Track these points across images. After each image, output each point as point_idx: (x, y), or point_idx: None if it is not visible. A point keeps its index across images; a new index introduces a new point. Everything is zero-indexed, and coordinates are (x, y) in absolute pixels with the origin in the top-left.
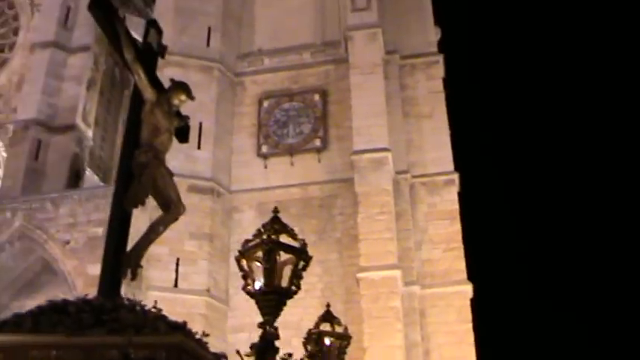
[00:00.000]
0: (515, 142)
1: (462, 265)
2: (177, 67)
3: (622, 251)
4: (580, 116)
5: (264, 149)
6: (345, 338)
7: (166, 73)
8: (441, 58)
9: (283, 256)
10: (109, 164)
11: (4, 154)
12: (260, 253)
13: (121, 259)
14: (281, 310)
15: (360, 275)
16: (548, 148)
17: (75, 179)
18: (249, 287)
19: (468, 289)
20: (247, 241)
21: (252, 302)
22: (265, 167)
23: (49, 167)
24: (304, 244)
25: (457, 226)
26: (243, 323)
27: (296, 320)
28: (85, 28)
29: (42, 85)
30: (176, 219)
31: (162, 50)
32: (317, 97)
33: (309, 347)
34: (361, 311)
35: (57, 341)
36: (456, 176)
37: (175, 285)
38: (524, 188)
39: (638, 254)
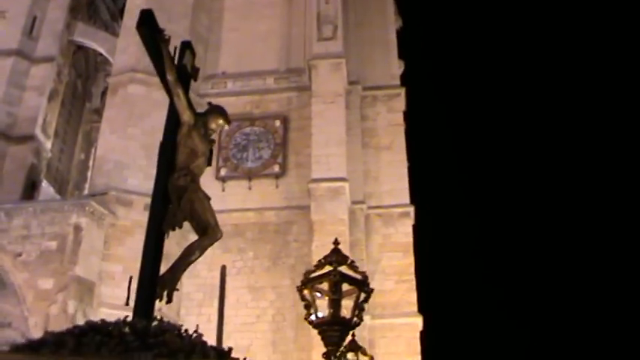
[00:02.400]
0: (470, 177)
1: (413, 297)
2: (142, 85)
3: (578, 275)
4: (532, 152)
5: (223, 172)
6: None
7: (130, 90)
8: (402, 91)
9: (345, 287)
10: (66, 176)
11: None
12: (323, 284)
13: (156, 281)
14: (344, 340)
15: None
16: (501, 187)
17: (31, 190)
18: (312, 317)
19: (418, 321)
20: (310, 272)
21: (202, 324)
22: (223, 190)
23: (5, 177)
24: (365, 277)
25: (410, 259)
26: None
27: (246, 344)
28: (50, 39)
29: (2, 94)
30: (212, 243)
31: (195, 72)
32: (278, 123)
33: None
34: (311, 338)
35: None
36: (411, 209)
37: (127, 303)
38: (477, 223)
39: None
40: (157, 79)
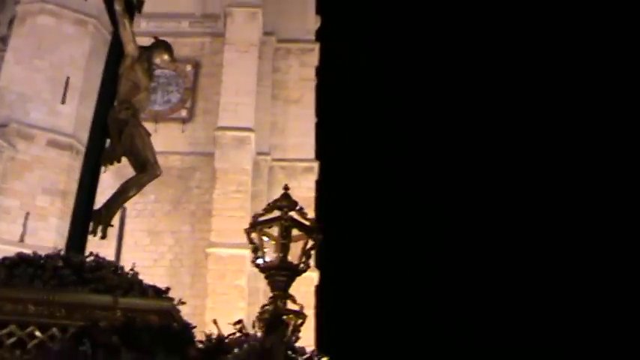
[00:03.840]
0: (378, 137)
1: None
2: (52, 17)
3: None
4: (446, 120)
5: None
6: (300, 316)
7: (40, 21)
8: (316, 46)
9: (294, 233)
10: None
11: None
12: (272, 228)
13: (90, 216)
14: (290, 286)
15: (208, 250)
16: (410, 146)
17: None
18: (258, 261)
19: (314, 275)
20: (258, 215)
21: None
22: None
23: None
24: (315, 224)
25: (311, 214)
26: None
27: None
28: None
29: None
30: (151, 180)
31: (139, 5)
32: (189, 67)
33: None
34: (206, 285)
35: (37, 297)
36: (315, 164)
37: (21, 240)
38: (381, 182)
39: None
40: (68, 12)
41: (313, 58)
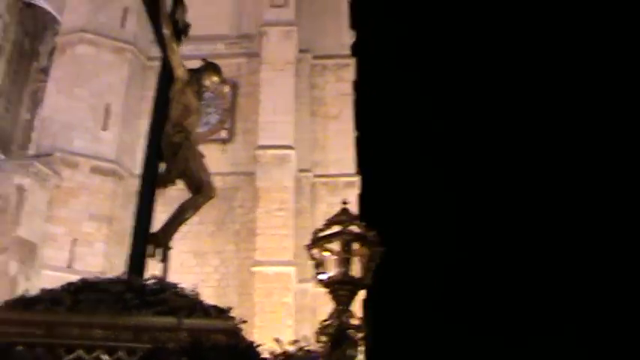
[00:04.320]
0: (419, 150)
1: None
2: (91, 46)
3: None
4: (483, 131)
5: None
6: (361, 330)
7: (79, 51)
8: (352, 61)
9: (355, 247)
10: (11, 137)
11: None
12: (333, 243)
13: (148, 239)
14: (353, 300)
15: (254, 269)
16: (450, 158)
17: None
18: (320, 276)
19: (360, 290)
20: (318, 231)
21: None
22: None
23: None
24: (375, 237)
25: None
26: None
27: None
28: None
29: None
30: (206, 202)
31: (185, 28)
32: (227, 88)
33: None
34: (253, 305)
35: (103, 321)
36: (357, 179)
37: (69, 266)
38: (423, 194)
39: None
40: (106, 40)
41: (350, 73)
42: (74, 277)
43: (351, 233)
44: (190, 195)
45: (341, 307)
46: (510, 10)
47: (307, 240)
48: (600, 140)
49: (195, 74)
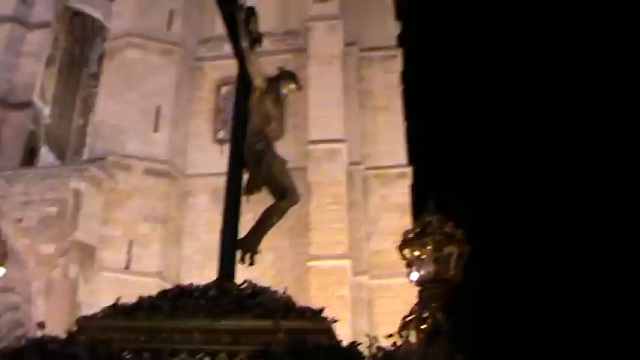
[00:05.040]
0: (469, 139)
1: None
2: (138, 49)
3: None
4: (534, 119)
5: (221, 135)
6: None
7: (127, 55)
8: (399, 52)
9: (445, 246)
10: (65, 142)
11: None
12: (424, 242)
13: (236, 245)
14: (445, 298)
15: (310, 264)
16: (501, 149)
17: (30, 157)
18: (412, 275)
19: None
20: (409, 231)
21: None
22: (221, 153)
23: (3, 144)
24: (464, 236)
25: (408, 219)
26: None
27: None
28: (45, 5)
29: None
30: (291, 206)
31: (259, 38)
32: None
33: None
34: (310, 299)
35: (203, 325)
36: (408, 170)
37: (127, 267)
38: (474, 184)
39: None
40: (153, 43)
41: (397, 64)
42: (132, 279)
43: (443, 233)
44: (274, 200)
45: (434, 305)
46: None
47: (361, 233)
48: None
49: (273, 82)
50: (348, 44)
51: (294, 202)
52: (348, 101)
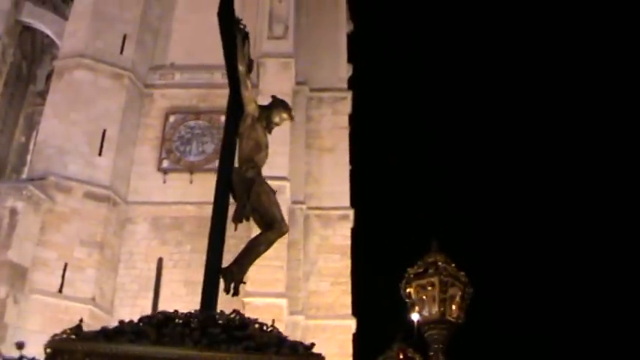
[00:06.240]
0: (412, 183)
1: (347, 300)
2: (88, 71)
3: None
4: (483, 166)
5: (165, 164)
6: None
7: (76, 76)
8: (349, 94)
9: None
10: (5, 159)
11: None
12: (428, 283)
13: (220, 274)
14: (449, 339)
15: (245, 300)
16: (442, 194)
17: None
18: (413, 316)
19: (351, 323)
20: (412, 271)
21: (136, 315)
22: (164, 182)
23: None
24: (466, 278)
25: (347, 262)
26: None
27: None
28: None
29: None
30: (279, 238)
31: (251, 64)
32: (223, 118)
33: None
34: None
35: (191, 355)
36: (351, 212)
37: (60, 290)
38: (415, 226)
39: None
40: (104, 66)
41: (346, 106)
42: (64, 303)
43: (449, 274)
44: (261, 230)
45: (437, 347)
46: (502, 37)
47: (299, 273)
48: None
49: (265, 111)
50: (298, 83)
51: (282, 233)
52: (295, 140)
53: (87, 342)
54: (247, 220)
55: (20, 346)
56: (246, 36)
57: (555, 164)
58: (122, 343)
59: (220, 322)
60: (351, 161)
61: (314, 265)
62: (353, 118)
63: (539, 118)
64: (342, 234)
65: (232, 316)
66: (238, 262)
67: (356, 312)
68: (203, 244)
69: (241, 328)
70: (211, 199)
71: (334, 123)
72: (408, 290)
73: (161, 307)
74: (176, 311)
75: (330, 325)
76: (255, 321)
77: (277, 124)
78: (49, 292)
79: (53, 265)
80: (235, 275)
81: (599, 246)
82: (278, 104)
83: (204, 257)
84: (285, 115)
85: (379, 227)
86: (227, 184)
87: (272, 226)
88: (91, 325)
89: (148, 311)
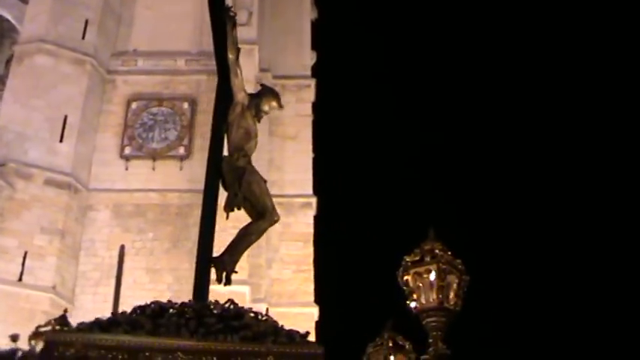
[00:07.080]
0: (376, 171)
1: (310, 287)
2: (49, 56)
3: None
4: (441, 148)
5: (127, 151)
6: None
7: (37, 61)
8: (312, 82)
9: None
10: None
11: None
12: (426, 270)
13: (211, 263)
14: (446, 328)
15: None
16: (403, 183)
17: None
18: (412, 304)
19: (314, 311)
20: (409, 257)
21: (98, 303)
22: (126, 169)
23: None
24: (463, 265)
25: (310, 249)
26: None
27: None
28: None
29: None
30: (270, 227)
31: (238, 51)
32: (186, 105)
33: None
34: None
35: (188, 345)
36: (313, 200)
37: (20, 279)
38: (379, 216)
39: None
40: (65, 51)
41: (309, 94)
42: (24, 292)
43: (447, 261)
44: (252, 219)
45: (436, 334)
46: (472, 23)
47: (262, 260)
48: None
49: (255, 99)
50: (262, 70)
51: (274, 222)
52: (258, 127)
53: (82, 333)
54: (239, 209)
55: (14, 338)
56: (235, 23)
57: (541, 147)
58: (117, 333)
59: (215, 311)
60: (315, 149)
61: (276, 252)
62: (316, 106)
63: (510, 92)
64: (304, 222)
65: (227, 305)
66: (229, 251)
67: (319, 300)
68: (165, 231)
69: (237, 318)
70: (175, 186)
71: (297, 111)
72: (405, 278)
73: (123, 295)
74: (169, 301)
75: (293, 312)
76: (250, 310)
77: (266, 113)
78: (9, 280)
79: (13, 252)
80: (227, 265)
81: (596, 230)
82: (267, 92)
83: (166, 245)
84: (274, 103)
85: (343, 215)
86: (217, 172)
87: (263, 216)
88: (51, 314)
89: (110, 299)
